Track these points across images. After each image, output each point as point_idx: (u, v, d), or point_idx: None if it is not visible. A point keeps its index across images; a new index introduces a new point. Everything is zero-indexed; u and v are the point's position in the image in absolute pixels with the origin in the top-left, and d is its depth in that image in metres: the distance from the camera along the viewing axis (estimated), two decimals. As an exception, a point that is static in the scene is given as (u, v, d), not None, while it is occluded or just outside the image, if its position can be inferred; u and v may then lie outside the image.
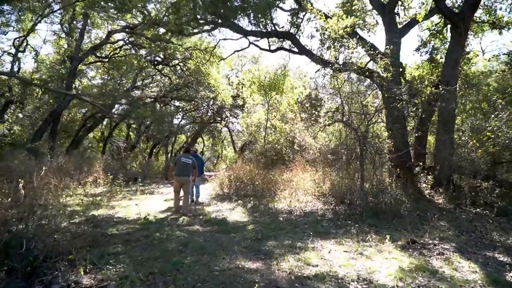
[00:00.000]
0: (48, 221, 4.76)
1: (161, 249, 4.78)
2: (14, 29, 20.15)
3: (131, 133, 25.32)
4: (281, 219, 7.38)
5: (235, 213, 7.96)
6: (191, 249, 4.88)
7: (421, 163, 11.21)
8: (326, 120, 10.30)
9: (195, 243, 5.16)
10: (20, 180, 6.23)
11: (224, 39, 14.95)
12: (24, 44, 20.23)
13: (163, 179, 15.42)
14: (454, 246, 5.44)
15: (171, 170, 8.20)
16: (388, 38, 11.73)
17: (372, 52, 11.57)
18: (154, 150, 24.91)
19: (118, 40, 16.94)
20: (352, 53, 11.63)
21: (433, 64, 14.47)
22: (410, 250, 5.18)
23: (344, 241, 5.62)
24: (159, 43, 18.22)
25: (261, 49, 13.27)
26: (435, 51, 15.40)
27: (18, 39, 19.71)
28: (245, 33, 12.18)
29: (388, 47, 10.48)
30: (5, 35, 20.02)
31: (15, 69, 19.71)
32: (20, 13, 18.39)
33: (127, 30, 16.31)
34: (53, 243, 4.15)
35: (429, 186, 10.38)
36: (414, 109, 12.25)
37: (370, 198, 8.45)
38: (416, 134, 11.62)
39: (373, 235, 6.02)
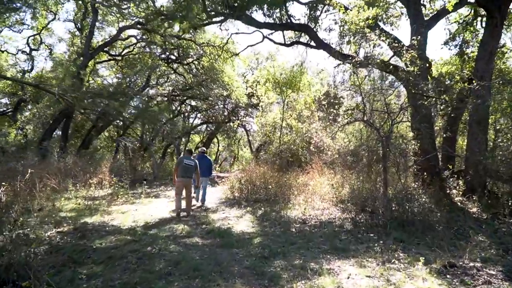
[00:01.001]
0: (31, 230, 4.14)
1: (145, 270, 4.02)
2: (29, 27, 20.06)
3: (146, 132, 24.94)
4: (294, 230, 6.53)
5: (243, 222, 7.16)
6: (182, 270, 4.09)
7: (450, 167, 10.21)
8: (345, 119, 9.38)
9: (189, 262, 4.38)
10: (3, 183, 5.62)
11: (237, 33, 14.12)
12: (38, 42, 20.21)
13: (172, 181, 14.78)
14: (501, 270, 4.46)
15: (174, 172, 7.92)
16: (414, 31, 10.68)
17: (396, 45, 10.62)
18: (168, 150, 24.44)
19: (129, 36, 16.46)
20: (374, 46, 10.72)
21: (463, 59, 13.32)
22: (448, 276, 4.22)
23: (366, 262, 4.71)
24: (171, 39, 17.76)
25: (275, 43, 12.44)
26: (466, 45, 14.21)
27: (32, 37, 19.65)
28: (258, 25, 11.37)
29: (414, 38, 9.47)
30: (20, 33, 19.94)
31: (29, 67, 19.69)
32: (35, 10, 18.23)
33: (138, 26, 15.83)
34: (18, 260, 3.46)
35: (460, 193, 9.35)
36: (443, 107, 11.19)
37: (394, 205, 7.52)
38: (444, 135, 10.59)
39: (401, 253, 5.09)
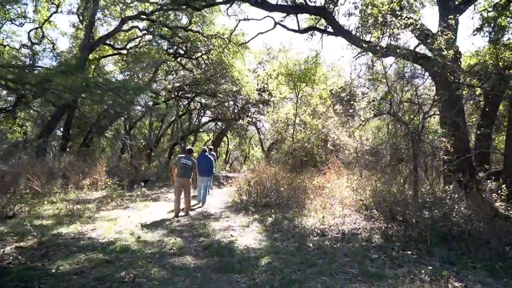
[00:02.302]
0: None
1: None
2: (31, 21, 19.27)
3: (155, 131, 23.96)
4: (311, 245, 5.29)
5: (249, 234, 5.96)
6: (158, 311, 2.95)
7: (486, 167, 8.92)
8: (369, 112, 8.10)
9: (171, 297, 3.24)
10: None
11: (246, 19, 12.79)
12: (40, 36, 19.41)
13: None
14: None
15: (173, 170, 7.66)
16: (443, 16, 9.33)
17: (425, 31, 9.35)
18: (177, 149, 23.41)
19: (132, 27, 15.44)
20: (398, 34, 9.45)
21: (498, 47, 11.85)
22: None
23: (412, 297, 3.49)
24: (178, 31, 16.72)
25: (288, 29, 11.15)
26: (501, 31, 12.72)
27: (34, 30, 18.86)
28: (269, 8, 10.13)
29: (443, 23, 8.12)
30: (21, 26, 19.18)
31: (30, 62, 18.89)
32: (36, 2, 17.46)
33: (142, 16, 14.82)
34: None
35: (501, 197, 8.00)
36: (479, 99, 9.84)
37: (427, 213, 6.27)
38: (478, 131, 9.28)
39: (456, 282, 3.85)
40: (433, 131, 8.49)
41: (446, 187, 8.09)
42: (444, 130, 8.00)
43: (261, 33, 12.85)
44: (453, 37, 7.93)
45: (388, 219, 6.61)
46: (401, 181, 7.92)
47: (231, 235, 5.77)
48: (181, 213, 7.41)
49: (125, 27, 15.64)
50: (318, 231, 6.07)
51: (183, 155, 7.68)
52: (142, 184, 10.47)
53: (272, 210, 7.69)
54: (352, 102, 8.79)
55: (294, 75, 13.31)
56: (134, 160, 15.85)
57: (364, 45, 9.36)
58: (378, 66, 8.66)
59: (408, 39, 11.46)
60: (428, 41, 8.25)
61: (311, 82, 13.31)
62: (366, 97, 8.31)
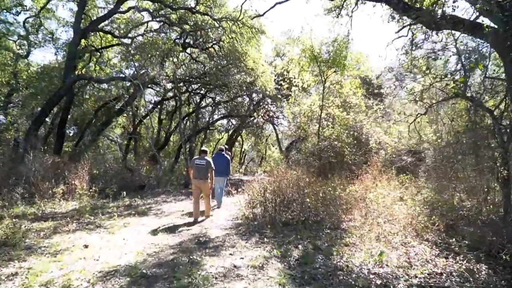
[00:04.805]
0: None
1: None
2: (27, 8, 17.57)
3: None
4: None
5: (263, 282, 3.68)
6: None
7: None
8: (437, 94, 5.69)
9: None
10: None
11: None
12: (37, 25, 17.75)
13: (179, 188, 11.50)
14: None
15: (189, 172, 7.63)
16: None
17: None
18: (185, 150, 21.27)
19: (130, 8, 13.37)
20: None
21: None
22: None
23: None
24: (184, 15, 14.62)
25: (315, -4, 8.83)
26: None
27: (30, 18, 17.19)
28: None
29: None
30: (17, 15, 17.50)
31: (24, 53, 17.22)
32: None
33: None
34: None
35: None
36: None
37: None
38: None
39: None
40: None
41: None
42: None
43: (279, 2, 10.51)
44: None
45: (484, 255, 4.24)
46: (485, 191, 5.50)
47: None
48: (201, 218, 6.90)
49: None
50: (376, 279, 3.73)
51: (198, 156, 7.29)
52: (124, 193, 8.33)
53: (297, 234, 5.39)
54: (405, 84, 6.36)
55: (321, 60, 10.92)
56: (136, 162, 13.86)
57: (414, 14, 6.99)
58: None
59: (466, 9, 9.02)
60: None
61: (340, 68, 10.90)
62: (430, 73, 5.87)
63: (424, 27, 8.22)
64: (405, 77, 8.19)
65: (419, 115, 6.43)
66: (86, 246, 4.67)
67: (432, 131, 6.52)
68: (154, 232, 5.68)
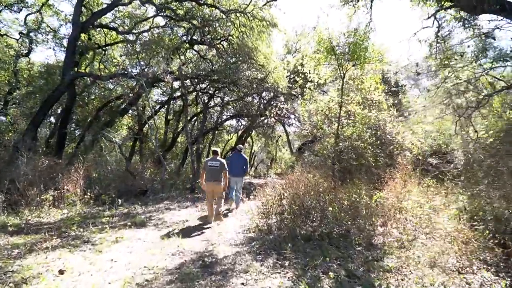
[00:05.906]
0: None
1: None
2: (29, 5, 16.94)
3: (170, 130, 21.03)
4: None
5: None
6: None
7: None
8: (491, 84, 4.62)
9: None
10: None
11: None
12: (39, 22, 17.09)
13: (184, 192, 10.54)
14: None
15: (201, 176, 6.83)
16: None
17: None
18: (192, 151, 20.37)
19: (132, 0, 12.49)
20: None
21: None
22: None
23: None
24: (190, 8, 13.73)
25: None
26: None
27: (31, 15, 16.56)
28: None
29: None
30: (19, 12, 16.86)
31: (25, 51, 16.56)
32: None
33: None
34: None
35: None
36: None
37: None
38: None
39: None
40: None
41: None
42: None
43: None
44: None
45: None
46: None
47: None
48: (216, 221, 6.66)
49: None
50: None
51: (210, 158, 6.96)
52: (120, 201, 7.42)
53: (322, 251, 4.41)
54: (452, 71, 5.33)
55: (339, 52, 9.89)
56: (141, 165, 12.98)
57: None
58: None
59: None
60: None
61: (361, 61, 9.85)
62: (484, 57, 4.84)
63: (462, 12, 7.21)
64: (440, 68, 7.13)
65: (469, 108, 5.36)
66: (61, 272, 3.74)
67: (484, 127, 5.47)
68: (150, 250, 4.74)
